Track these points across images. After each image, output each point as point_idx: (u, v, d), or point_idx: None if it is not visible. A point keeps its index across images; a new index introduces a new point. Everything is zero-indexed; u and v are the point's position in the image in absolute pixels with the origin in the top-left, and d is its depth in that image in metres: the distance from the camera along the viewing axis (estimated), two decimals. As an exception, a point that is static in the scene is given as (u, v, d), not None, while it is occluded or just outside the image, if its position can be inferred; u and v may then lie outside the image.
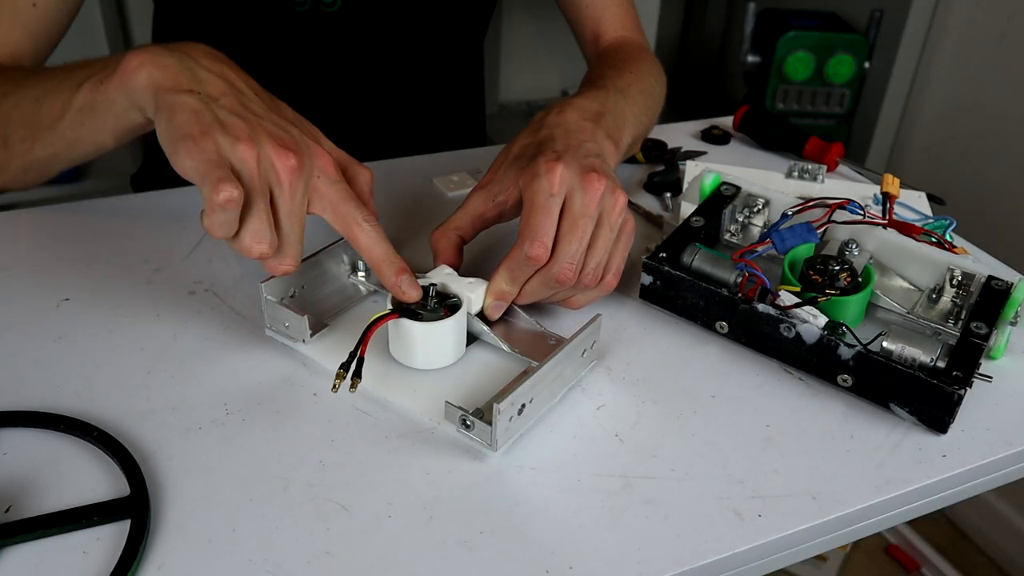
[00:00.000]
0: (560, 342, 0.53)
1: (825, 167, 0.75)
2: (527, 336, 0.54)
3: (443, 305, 0.53)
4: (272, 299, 0.53)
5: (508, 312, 0.55)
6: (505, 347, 0.53)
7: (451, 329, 0.51)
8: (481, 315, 0.54)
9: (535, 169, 0.53)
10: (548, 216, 0.51)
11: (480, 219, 0.57)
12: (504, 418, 0.46)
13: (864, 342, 0.51)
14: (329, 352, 0.53)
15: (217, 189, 0.45)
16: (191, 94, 0.49)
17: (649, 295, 0.58)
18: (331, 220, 0.51)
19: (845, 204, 0.59)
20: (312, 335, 0.53)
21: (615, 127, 0.62)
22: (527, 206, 0.52)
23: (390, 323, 0.51)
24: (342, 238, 0.56)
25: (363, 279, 0.58)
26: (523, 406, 0.47)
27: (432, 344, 0.52)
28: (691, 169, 0.73)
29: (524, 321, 0.55)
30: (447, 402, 0.47)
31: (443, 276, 0.54)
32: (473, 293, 0.53)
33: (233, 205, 0.45)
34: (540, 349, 0.53)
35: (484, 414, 0.47)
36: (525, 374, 0.50)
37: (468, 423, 0.47)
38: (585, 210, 0.52)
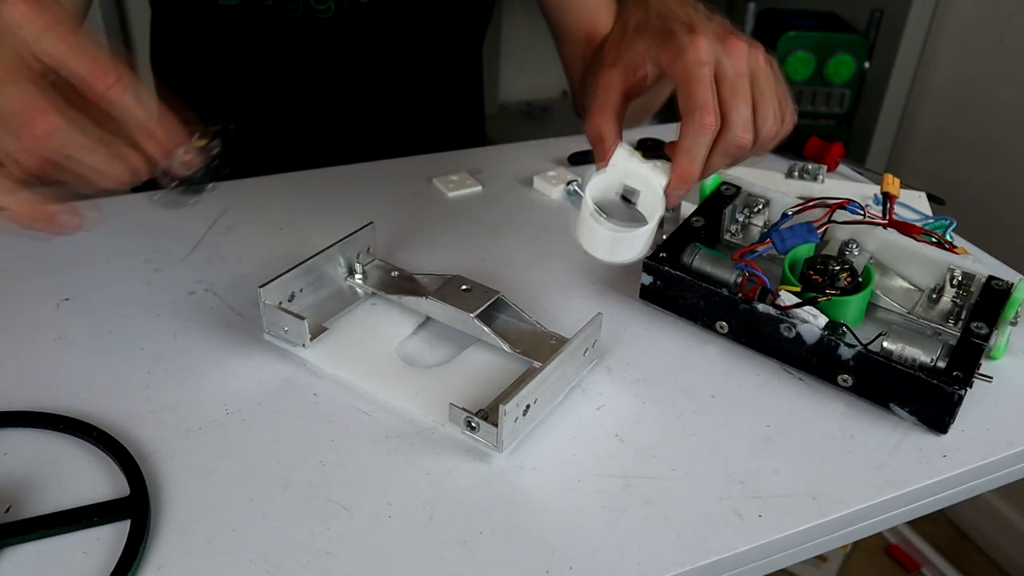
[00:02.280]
0: (561, 342, 0.53)
1: (825, 167, 0.75)
2: (527, 336, 0.54)
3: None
4: (270, 303, 0.53)
5: (508, 311, 0.55)
6: (506, 347, 0.53)
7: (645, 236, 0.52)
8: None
9: (678, 44, 0.52)
10: (706, 84, 0.51)
11: (625, 96, 0.55)
12: (510, 419, 0.46)
13: (864, 342, 0.51)
14: (329, 355, 0.53)
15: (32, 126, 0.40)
16: None
17: (649, 295, 0.58)
18: (65, 77, 0.42)
19: (845, 204, 0.59)
20: (312, 339, 0.53)
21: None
22: (682, 80, 0.51)
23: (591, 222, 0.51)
24: (339, 240, 0.55)
25: (360, 281, 0.58)
26: (528, 407, 0.47)
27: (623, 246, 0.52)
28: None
29: (524, 321, 0.55)
30: (451, 404, 0.47)
31: (625, 160, 0.52)
32: (657, 179, 0.52)
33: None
34: (541, 349, 0.53)
35: (489, 415, 0.47)
36: (528, 374, 0.50)
37: (473, 425, 0.47)
38: (739, 72, 0.51)
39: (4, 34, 0.40)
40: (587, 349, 0.52)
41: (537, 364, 0.52)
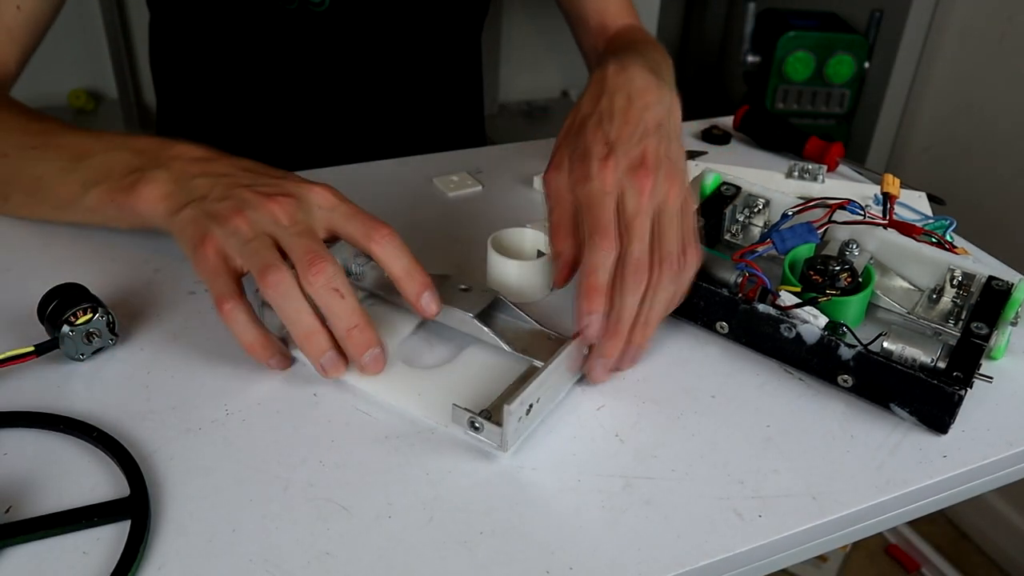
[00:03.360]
0: (560, 340, 0.53)
1: (825, 167, 0.75)
2: (526, 335, 0.54)
3: None
4: (270, 308, 0.52)
5: (507, 311, 0.55)
6: (505, 347, 0.53)
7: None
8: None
9: (587, 170, 0.53)
10: (606, 210, 0.52)
11: (574, 201, 0.55)
12: (513, 419, 0.46)
13: (864, 342, 0.51)
14: None
15: (217, 304, 0.49)
16: (188, 207, 0.53)
17: (649, 295, 0.58)
18: (348, 240, 0.53)
19: (845, 204, 0.59)
20: None
21: (652, 71, 0.61)
22: (586, 205, 0.53)
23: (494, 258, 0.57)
24: (334, 241, 0.55)
25: (356, 283, 0.58)
26: (530, 406, 0.47)
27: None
28: (691, 169, 0.73)
29: (522, 321, 0.55)
30: (455, 405, 0.47)
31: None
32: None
33: (231, 316, 0.49)
34: (540, 347, 0.53)
35: (492, 415, 0.47)
36: (529, 373, 0.50)
37: (476, 425, 0.47)
38: (639, 208, 0.52)
39: (311, 210, 0.52)
40: (588, 347, 0.52)
41: (537, 363, 0.52)
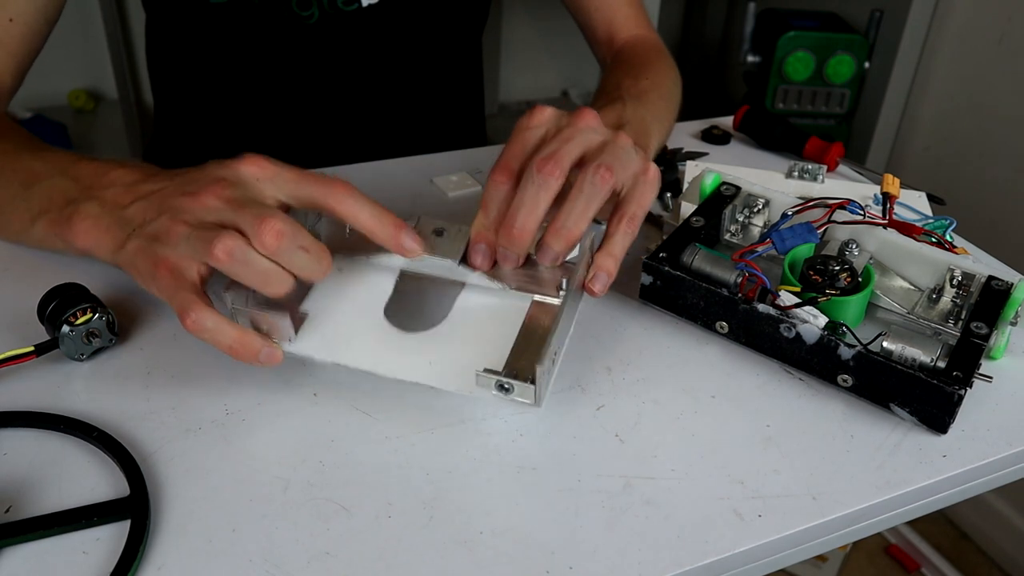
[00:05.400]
0: (555, 270, 0.51)
1: (825, 167, 0.75)
2: (515, 269, 0.52)
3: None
4: (241, 308, 0.48)
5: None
6: (498, 286, 0.51)
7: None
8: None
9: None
10: (514, 144, 0.51)
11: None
12: (546, 374, 0.45)
13: (864, 342, 0.51)
14: (321, 345, 0.50)
15: (181, 321, 0.46)
16: (129, 239, 0.50)
17: (649, 295, 0.58)
18: (303, 206, 0.50)
19: (845, 204, 0.59)
20: (296, 331, 0.50)
21: (639, 134, 0.61)
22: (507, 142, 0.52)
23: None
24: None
25: None
26: (555, 354, 0.46)
27: None
28: (691, 169, 0.73)
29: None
30: (478, 372, 0.45)
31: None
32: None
33: (198, 325, 0.46)
34: (534, 279, 0.51)
35: (518, 373, 0.46)
36: (535, 311, 0.49)
37: (506, 387, 0.45)
38: (572, 126, 0.51)
39: (248, 184, 0.49)
40: (586, 269, 0.51)
41: (537, 296, 0.50)
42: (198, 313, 0.46)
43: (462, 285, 0.53)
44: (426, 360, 0.49)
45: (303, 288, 0.52)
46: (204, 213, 0.48)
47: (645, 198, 0.52)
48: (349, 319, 0.51)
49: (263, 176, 0.49)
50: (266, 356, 0.48)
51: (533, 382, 0.45)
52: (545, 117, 0.52)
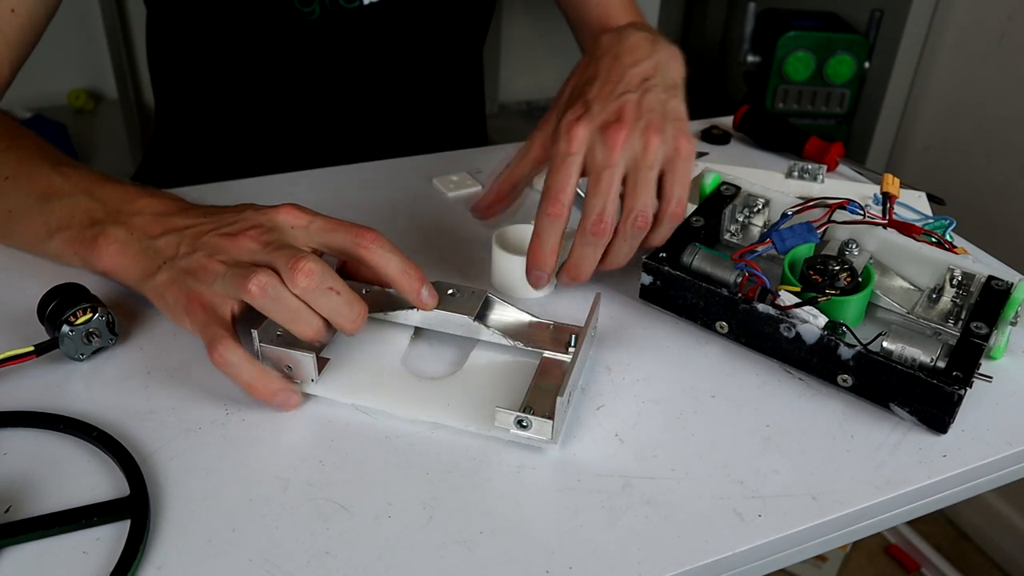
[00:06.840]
0: (561, 328, 0.54)
1: (825, 167, 0.75)
2: (525, 328, 0.54)
3: None
4: (267, 345, 0.49)
5: (498, 307, 0.55)
6: (509, 343, 0.53)
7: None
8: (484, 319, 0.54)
9: (557, 131, 0.55)
10: (564, 173, 0.53)
11: (540, 164, 0.60)
12: (562, 410, 0.47)
13: (864, 342, 0.51)
14: (341, 386, 0.51)
15: (209, 354, 0.48)
16: (160, 270, 0.52)
17: (649, 295, 0.58)
18: (335, 254, 0.52)
19: (845, 204, 0.59)
20: (319, 372, 0.50)
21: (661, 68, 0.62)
22: (549, 167, 0.54)
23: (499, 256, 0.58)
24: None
25: None
26: (570, 395, 0.48)
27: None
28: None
29: (515, 313, 0.55)
30: (498, 408, 0.47)
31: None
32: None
33: (223, 359, 0.47)
34: (543, 337, 0.54)
35: (536, 410, 0.47)
36: (545, 363, 0.52)
37: (524, 423, 0.47)
38: (607, 162, 0.53)
39: (283, 230, 0.51)
40: (594, 328, 0.53)
41: (547, 353, 0.52)
42: (225, 347, 0.47)
43: (475, 342, 0.55)
44: (444, 403, 0.50)
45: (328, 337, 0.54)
46: (240, 254, 0.49)
47: (682, 187, 0.57)
48: (368, 366, 0.53)
49: (297, 224, 0.51)
50: (283, 399, 0.49)
51: (551, 417, 0.46)
52: (580, 141, 0.54)
